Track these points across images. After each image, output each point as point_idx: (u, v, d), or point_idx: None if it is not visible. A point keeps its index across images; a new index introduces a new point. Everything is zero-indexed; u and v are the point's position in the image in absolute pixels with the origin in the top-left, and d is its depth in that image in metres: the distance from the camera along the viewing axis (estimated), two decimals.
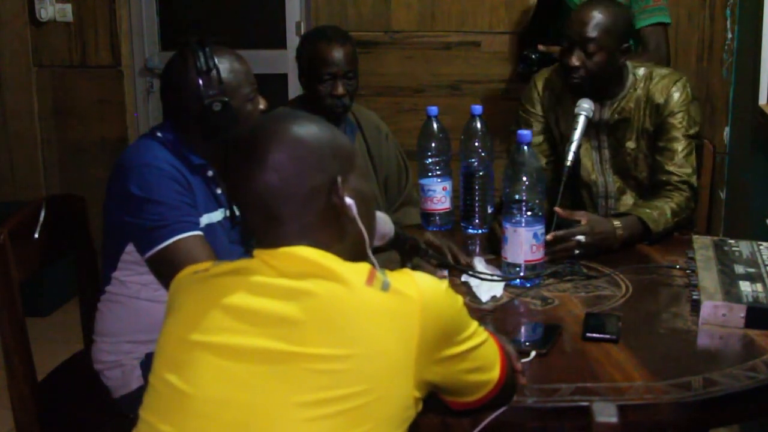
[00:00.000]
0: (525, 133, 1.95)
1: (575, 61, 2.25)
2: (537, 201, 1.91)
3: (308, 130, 1.26)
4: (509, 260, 1.92)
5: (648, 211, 2.20)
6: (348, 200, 1.25)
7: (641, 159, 2.37)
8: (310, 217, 1.23)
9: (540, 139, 2.45)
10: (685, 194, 2.29)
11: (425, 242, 2.12)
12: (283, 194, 1.22)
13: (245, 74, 1.87)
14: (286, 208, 1.22)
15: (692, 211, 2.35)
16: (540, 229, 1.91)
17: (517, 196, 1.91)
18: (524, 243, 1.89)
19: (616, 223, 2.15)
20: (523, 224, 1.90)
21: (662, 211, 2.22)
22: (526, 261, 1.90)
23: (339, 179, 1.25)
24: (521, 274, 1.91)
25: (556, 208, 2.06)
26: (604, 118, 2.36)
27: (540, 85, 2.48)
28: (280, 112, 1.34)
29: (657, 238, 2.19)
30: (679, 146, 2.31)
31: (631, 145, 2.36)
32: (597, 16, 2.25)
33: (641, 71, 2.36)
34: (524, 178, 1.90)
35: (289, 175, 1.22)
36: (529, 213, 1.91)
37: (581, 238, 2.05)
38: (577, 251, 2.05)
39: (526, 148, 1.94)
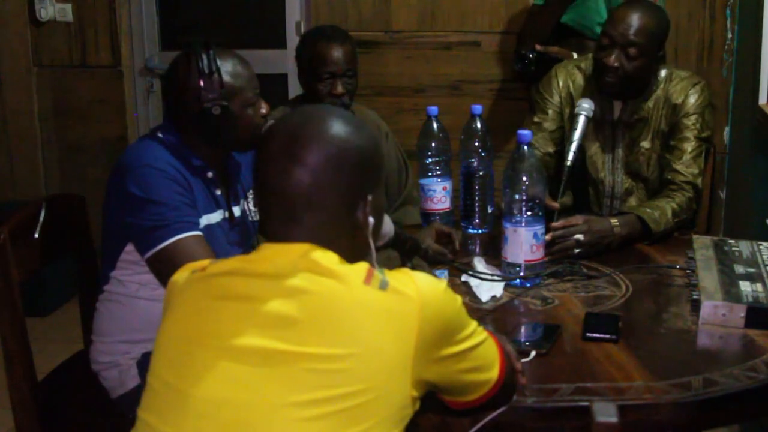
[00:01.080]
0: (525, 133, 1.95)
1: (614, 62, 2.23)
2: (537, 201, 1.91)
3: (355, 139, 1.24)
4: (509, 260, 1.92)
5: (649, 210, 2.20)
6: (370, 219, 1.25)
7: (654, 159, 2.37)
8: (328, 224, 1.22)
9: (554, 126, 2.44)
10: (688, 195, 2.29)
11: (436, 230, 2.13)
12: (312, 198, 1.21)
13: (248, 78, 1.86)
14: (310, 210, 1.21)
15: (694, 213, 2.35)
16: (540, 229, 1.91)
17: (517, 196, 1.91)
18: (524, 243, 1.89)
19: (614, 221, 2.15)
20: (523, 224, 1.90)
21: (663, 211, 2.22)
22: (526, 261, 1.90)
23: (369, 198, 1.25)
24: (521, 274, 1.91)
25: (553, 224, 2.05)
26: (623, 117, 2.36)
27: (561, 77, 2.46)
28: (330, 108, 1.31)
29: (657, 238, 2.19)
30: (689, 147, 2.31)
31: (646, 144, 2.37)
32: (643, 20, 2.23)
33: (662, 73, 2.36)
34: (524, 178, 1.90)
35: (324, 182, 1.21)
36: (529, 213, 1.90)
37: (580, 236, 2.06)
38: (576, 250, 2.05)
39: (526, 147, 1.94)
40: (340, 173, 1.21)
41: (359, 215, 1.25)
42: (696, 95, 2.32)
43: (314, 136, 1.22)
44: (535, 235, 1.90)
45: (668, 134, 2.34)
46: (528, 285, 1.91)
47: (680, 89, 2.33)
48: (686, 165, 2.30)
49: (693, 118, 2.31)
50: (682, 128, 2.32)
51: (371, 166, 1.26)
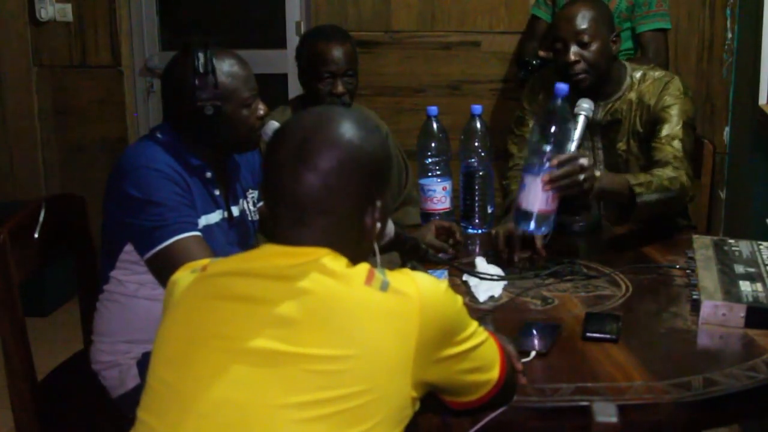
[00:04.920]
0: (562, 86, 1.96)
1: (573, 56, 2.25)
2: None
3: (368, 145, 1.23)
4: (523, 207, 1.90)
5: (632, 177, 2.12)
6: (378, 224, 1.25)
7: (632, 161, 2.36)
8: (336, 228, 1.22)
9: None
10: (672, 164, 2.22)
11: (436, 226, 2.13)
12: (323, 203, 1.20)
13: (244, 79, 1.86)
14: (319, 215, 1.21)
15: (686, 178, 2.23)
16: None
17: (545, 146, 1.89)
18: (541, 192, 1.88)
19: (597, 172, 1.99)
20: (544, 173, 1.88)
21: (651, 177, 2.13)
22: (539, 210, 1.89)
23: (378, 204, 1.25)
24: (532, 224, 1.90)
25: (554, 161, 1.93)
26: (597, 119, 2.36)
27: (538, 85, 2.50)
28: (342, 111, 1.28)
29: (644, 198, 2.08)
30: (671, 129, 2.26)
31: (621, 146, 2.36)
32: (582, 10, 2.28)
33: (638, 74, 2.36)
34: (554, 129, 1.90)
35: (336, 187, 1.20)
36: (548, 165, 1.89)
37: (584, 161, 1.92)
38: (582, 177, 1.90)
39: (560, 101, 1.94)
40: (352, 179, 1.21)
41: (368, 221, 1.24)
42: (669, 90, 2.30)
43: (328, 141, 1.21)
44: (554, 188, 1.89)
45: (645, 135, 2.32)
46: (540, 232, 1.91)
47: (653, 89, 2.32)
48: (667, 141, 2.25)
49: (669, 109, 2.28)
50: (660, 120, 2.29)
51: (382, 173, 1.26)
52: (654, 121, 2.31)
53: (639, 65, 2.42)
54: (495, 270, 1.97)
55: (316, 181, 1.19)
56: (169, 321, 1.24)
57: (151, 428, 1.19)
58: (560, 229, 2.13)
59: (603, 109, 2.35)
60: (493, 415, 1.36)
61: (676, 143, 2.26)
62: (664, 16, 3.03)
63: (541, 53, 3.08)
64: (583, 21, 2.26)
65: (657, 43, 3.01)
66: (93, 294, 1.98)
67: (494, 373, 1.29)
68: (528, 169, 1.92)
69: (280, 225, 1.23)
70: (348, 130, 1.22)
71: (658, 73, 2.36)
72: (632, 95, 2.33)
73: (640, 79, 2.35)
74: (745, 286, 1.77)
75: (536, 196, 1.89)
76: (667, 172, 2.18)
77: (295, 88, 3.68)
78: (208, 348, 1.17)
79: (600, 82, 2.31)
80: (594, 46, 2.26)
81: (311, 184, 1.19)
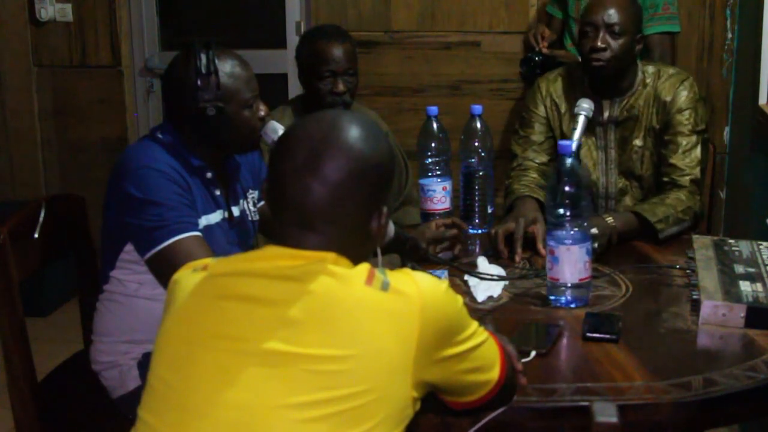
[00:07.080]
0: (566, 143, 1.83)
1: (601, 42, 2.26)
2: (585, 215, 1.79)
3: (376, 153, 1.22)
4: (561, 281, 1.79)
5: (645, 206, 2.21)
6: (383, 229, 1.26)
7: (647, 157, 2.38)
8: (343, 234, 1.22)
9: (542, 137, 2.46)
10: (687, 188, 2.29)
11: (436, 224, 2.12)
12: (330, 211, 1.20)
13: (246, 80, 1.86)
14: (324, 222, 1.21)
15: (698, 204, 2.30)
16: (590, 244, 1.80)
17: (563, 211, 1.78)
18: (578, 261, 1.78)
19: (608, 217, 2.15)
20: (575, 242, 1.78)
21: (662, 202, 2.23)
22: (580, 280, 1.79)
23: (384, 209, 1.25)
24: (568, 296, 1.81)
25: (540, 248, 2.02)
26: (613, 116, 2.36)
27: (544, 87, 2.48)
28: (348, 117, 1.27)
29: (669, 234, 2.19)
30: (684, 140, 2.32)
31: (638, 143, 2.37)
32: (618, 1, 2.29)
33: (650, 69, 2.39)
34: (567, 189, 1.78)
35: (344, 196, 1.20)
36: (576, 229, 1.79)
37: (594, 230, 1.92)
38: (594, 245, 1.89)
39: (569, 159, 1.81)
40: (360, 188, 1.21)
41: (374, 226, 1.24)
42: (686, 91, 2.34)
43: (336, 152, 1.20)
44: (587, 252, 1.80)
45: (660, 132, 2.35)
46: (583, 302, 1.80)
47: (669, 86, 2.35)
48: (682, 158, 2.31)
49: (686, 113, 2.33)
50: (675, 124, 2.33)
51: (388, 179, 1.26)
52: (668, 121, 2.34)
53: (649, 62, 2.44)
54: (496, 270, 1.97)
55: (324, 193, 1.19)
56: (171, 321, 1.24)
57: (151, 427, 1.19)
58: None
59: (618, 105, 2.36)
60: (493, 415, 1.36)
61: (693, 157, 2.31)
62: (671, 19, 3.03)
63: (544, 50, 3.08)
64: (617, 13, 2.27)
65: (663, 46, 3.02)
66: (93, 294, 1.98)
67: (494, 374, 1.29)
68: (555, 238, 1.78)
69: (285, 229, 1.23)
70: (356, 139, 1.22)
71: (672, 70, 2.40)
72: (648, 90, 2.35)
73: (655, 75, 2.37)
74: (745, 286, 1.77)
75: (575, 267, 1.77)
76: (683, 200, 2.26)
77: (295, 88, 3.68)
78: (209, 348, 1.17)
79: (616, 78, 2.33)
80: (623, 40, 2.28)
81: (320, 196, 1.19)
